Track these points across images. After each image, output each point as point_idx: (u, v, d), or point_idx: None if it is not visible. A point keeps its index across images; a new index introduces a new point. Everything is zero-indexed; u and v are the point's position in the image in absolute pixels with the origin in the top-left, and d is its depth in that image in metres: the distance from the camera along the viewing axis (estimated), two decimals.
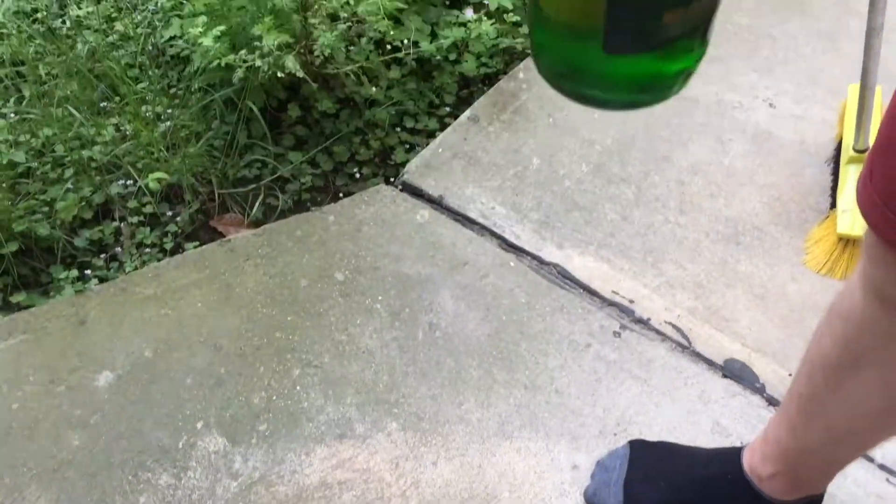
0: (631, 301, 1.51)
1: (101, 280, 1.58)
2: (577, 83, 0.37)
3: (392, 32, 1.88)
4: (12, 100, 1.81)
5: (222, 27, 1.56)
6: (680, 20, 0.34)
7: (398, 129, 1.97)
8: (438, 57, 2.02)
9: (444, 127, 1.94)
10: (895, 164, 0.62)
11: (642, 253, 1.60)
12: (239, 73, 1.62)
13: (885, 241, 0.65)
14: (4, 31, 1.86)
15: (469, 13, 1.99)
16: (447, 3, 2.17)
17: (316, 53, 1.73)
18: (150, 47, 1.93)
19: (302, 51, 1.77)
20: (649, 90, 0.37)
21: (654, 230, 1.64)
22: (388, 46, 1.98)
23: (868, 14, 1.38)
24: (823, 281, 1.54)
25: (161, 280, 1.52)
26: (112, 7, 2.02)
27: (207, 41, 1.52)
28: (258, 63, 1.60)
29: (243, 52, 1.60)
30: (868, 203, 0.65)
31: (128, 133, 1.79)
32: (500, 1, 2.06)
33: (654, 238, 1.62)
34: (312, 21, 1.68)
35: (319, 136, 1.92)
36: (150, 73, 1.88)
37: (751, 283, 1.55)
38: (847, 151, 1.57)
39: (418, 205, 1.70)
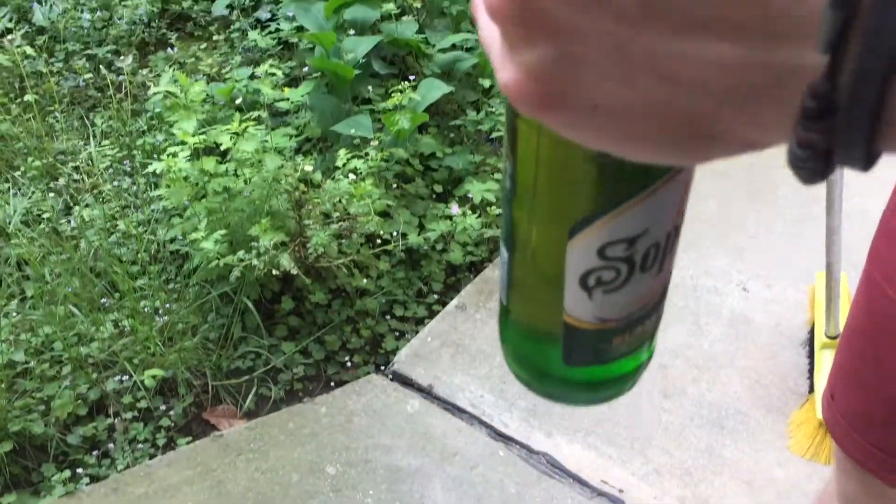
0: (620, 490, 1.52)
1: (93, 479, 1.59)
2: (538, 382, 0.42)
3: (382, 227, 1.98)
4: (15, 301, 1.87)
5: (223, 231, 1.65)
6: (637, 338, 0.40)
7: (388, 317, 2.03)
8: (426, 247, 2.12)
9: (432, 314, 2.00)
10: (855, 393, 0.67)
11: (629, 440, 1.62)
12: (236, 272, 1.70)
13: (852, 458, 0.69)
14: (14, 240, 1.95)
15: (455, 209, 2.10)
16: (434, 196, 2.29)
17: (310, 251, 1.82)
18: (152, 245, 2.02)
19: (296, 248, 1.85)
20: (610, 388, 0.43)
21: (640, 416, 1.67)
22: (378, 240, 2.08)
23: (826, 215, 1.49)
24: (809, 465, 1.56)
25: (153, 478, 1.53)
26: (116, 206, 2.12)
27: (208, 244, 1.61)
28: (255, 262, 1.68)
29: (241, 252, 1.68)
30: (832, 421, 0.70)
31: (125, 329, 1.85)
32: (483, 195, 2.18)
33: (640, 424, 1.66)
34: (307, 222, 1.78)
35: (312, 325, 1.98)
36: (149, 269, 1.96)
37: (737, 469, 1.57)
38: (820, 337, 1.64)
39: (409, 394, 1.73)
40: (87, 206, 2.13)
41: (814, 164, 0.25)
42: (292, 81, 2.51)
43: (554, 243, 0.36)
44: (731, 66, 0.25)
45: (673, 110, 0.27)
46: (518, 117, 0.34)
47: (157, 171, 1.86)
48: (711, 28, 0.24)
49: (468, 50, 2.50)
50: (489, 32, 0.30)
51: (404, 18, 2.49)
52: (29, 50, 2.51)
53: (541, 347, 0.41)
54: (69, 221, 2.08)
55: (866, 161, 0.25)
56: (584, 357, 0.39)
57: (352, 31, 2.44)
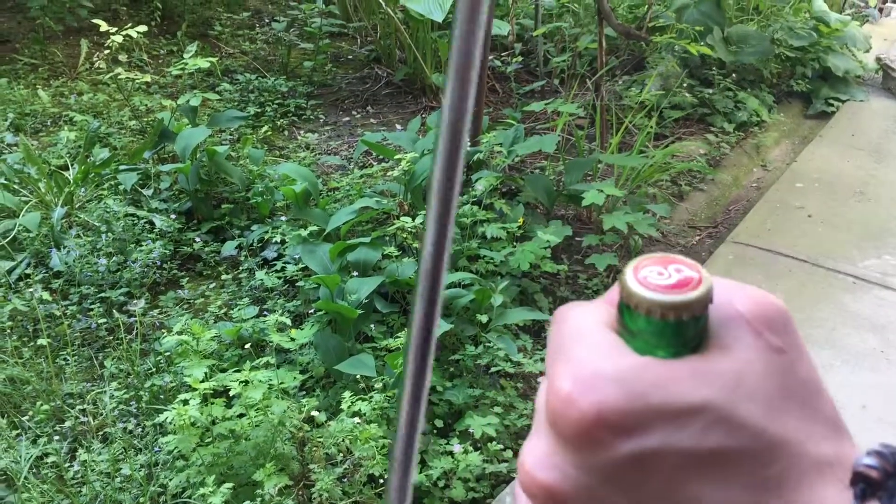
0: None
1: None
2: None
3: (384, 464, 2.00)
4: None
5: (230, 485, 1.67)
6: None
7: None
8: (428, 484, 2.12)
9: None
10: None
11: None
12: None
13: None
14: (23, 492, 1.96)
15: (457, 447, 2.13)
16: (434, 431, 2.32)
17: (314, 496, 1.82)
18: (155, 493, 2.02)
19: (300, 492, 1.86)
20: None
21: None
22: (381, 479, 2.09)
23: None
24: None
25: None
26: (121, 448, 2.14)
27: (216, 500, 1.62)
28: None
29: (247, 502, 1.69)
30: None
31: None
32: (483, 429, 2.21)
33: None
34: (311, 466, 1.80)
35: None
36: None
37: None
38: None
39: None
40: (91, 449, 2.15)
41: None
42: (297, 318, 2.62)
43: None
44: None
45: None
46: None
47: (169, 420, 1.89)
48: None
49: (465, 286, 2.63)
50: None
51: (405, 259, 2.64)
52: (45, 295, 2.62)
53: None
54: (73, 465, 2.09)
55: None
56: None
57: (355, 273, 2.57)
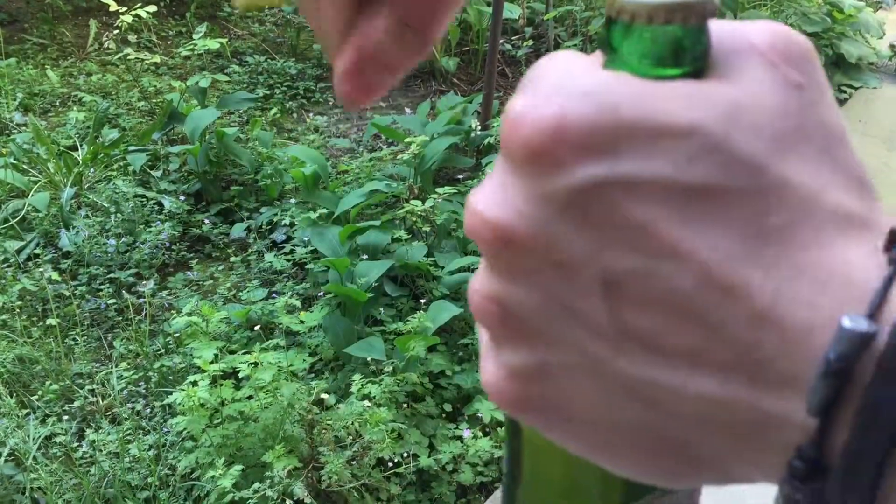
0: None
1: None
2: None
3: (393, 447, 2.00)
4: None
5: (240, 467, 1.67)
6: None
7: None
8: (437, 467, 2.12)
9: None
10: None
11: None
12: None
13: None
14: (31, 473, 1.96)
15: (466, 432, 2.12)
16: (444, 415, 2.32)
17: (324, 478, 1.82)
18: (163, 471, 2.02)
19: (309, 473, 1.86)
20: None
21: None
22: (390, 462, 2.09)
23: None
24: None
25: None
26: (129, 428, 2.14)
27: (226, 482, 1.62)
28: (269, 493, 1.68)
29: (256, 483, 1.69)
30: None
31: None
32: (493, 414, 2.21)
33: None
34: (321, 448, 1.80)
35: None
36: (159, 496, 1.95)
37: None
38: None
39: None
40: (100, 429, 2.15)
41: None
42: (306, 301, 2.61)
43: None
44: (713, 402, 0.24)
45: (653, 432, 0.26)
46: None
47: (178, 402, 1.89)
48: (691, 361, 0.24)
49: (475, 271, 2.61)
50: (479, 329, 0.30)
51: (414, 243, 2.63)
52: (54, 275, 2.62)
53: None
54: (81, 445, 2.09)
55: None
56: None
57: (364, 256, 2.56)
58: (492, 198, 0.26)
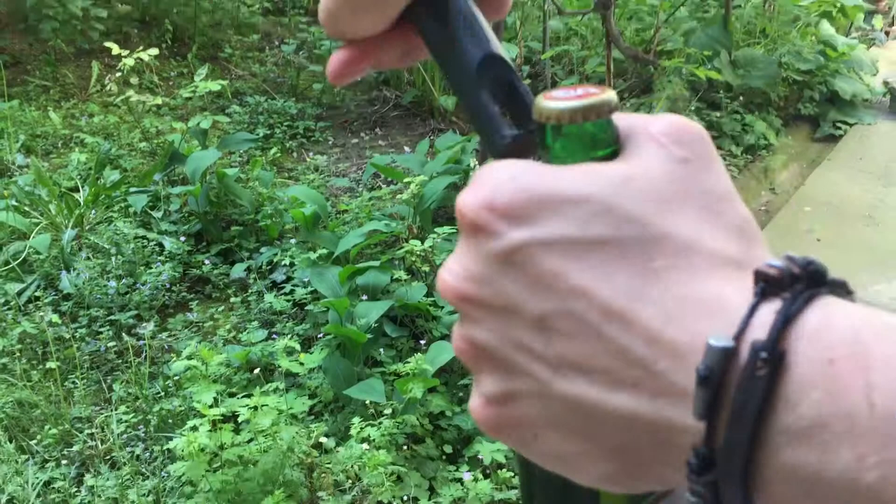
0: None
1: None
2: None
3: (393, 490, 1.99)
4: None
5: None
6: None
7: None
8: None
9: None
10: None
11: None
12: None
13: None
14: None
15: (467, 475, 2.11)
16: (444, 457, 2.31)
17: None
18: None
19: None
20: None
21: None
22: None
23: None
24: None
25: None
26: (128, 473, 2.14)
27: None
28: None
29: None
30: None
31: None
32: (493, 455, 2.20)
33: None
34: (320, 494, 1.79)
35: None
36: None
37: None
38: None
39: None
40: (99, 474, 2.14)
41: None
42: (306, 341, 2.61)
43: None
44: (629, 414, 0.29)
45: (597, 443, 0.31)
46: None
47: (178, 447, 1.89)
48: (608, 379, 0.30)
49: None
50: None
51: (414, 283, 2.63)
52: (54, 317, 2.63)
53: None
54: (80, 491, 2.08)
55: None
56: None
57: (364, 296, 2.57)
58: (451, 266, 0.33)
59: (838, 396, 0.26)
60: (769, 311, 0.28)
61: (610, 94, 0.33)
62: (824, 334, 0.27)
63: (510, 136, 0.36)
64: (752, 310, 0.28)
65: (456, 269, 0.33)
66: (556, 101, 0.33)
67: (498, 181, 0.32)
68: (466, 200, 0.32)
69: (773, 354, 0.27)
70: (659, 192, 0.31)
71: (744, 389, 0.27)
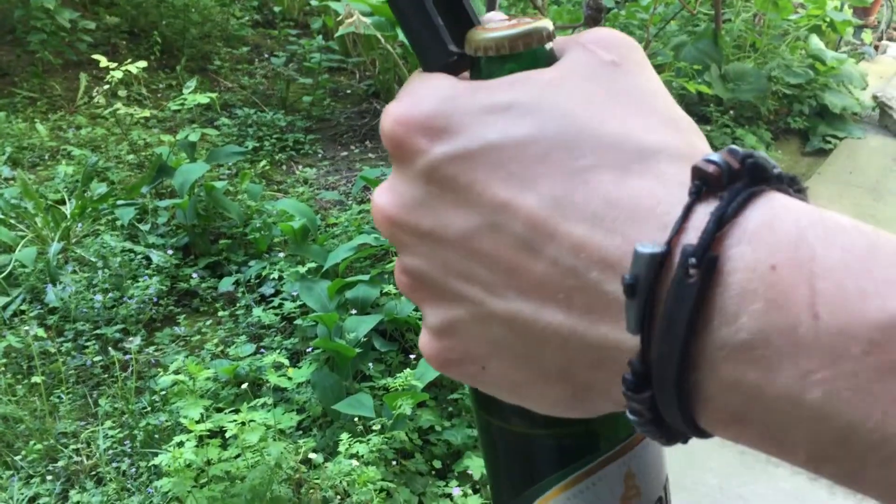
0: None
1: None
2: None
3: None
4: None
5: None
6: None
7: None
8: None
9: None
10: None
11: None
12: None
13: None
14: None
15: (456, 490, 2.09)
16: (433, 472, 2.29)
17: None
18: None
19: None
20: None
21: None
22: None
23: None
24: None
25: None
26: (114, 490, 2.11)
27: None
28: None
29: None
30: None
31: None
32: (482, 470, 2.18)
33: None
34: None
35: None
36: None
37: None
38: None
39: None
40: (85, 490, 2.11)
41: (648, 428, 0.27)
42: (294, 355, 2.59)
43: None
44: (563, 331, 0.28)
45: (539, 365, 0.30)
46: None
47: (164, 463, 1.86)
48: (539, 294, 0.28)
49: None
50: None
51: (403, 297, 2.62)
52: (40, 331, 2.60)
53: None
54: None
55: (699, 434, 0.27)
56: None
57: (353, 310, 2.55)
58: (382, 192, 0.32)
59: (780, 308, 0.24)
60: (705, 213, 0.25)
61: (544, 22, 0.32)
62: (766, 236, 0.25)
63: (457, 53, 0.33)
64: (687, 211, 0.26)
65: (386, 195, 0.32)
66: (488, 31, 0.32)
67: (418, 94, 0.31)
68: (387, 116, 0.31)
69: (704, 260, 0.24)
70: (584, 91, 0.29)
71: (673, 299, 0.25)
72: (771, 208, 0.25)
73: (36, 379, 2.41)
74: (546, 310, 0.28)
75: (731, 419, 0.25)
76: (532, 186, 0.28)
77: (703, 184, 0.26)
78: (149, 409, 2.36)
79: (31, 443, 2.25)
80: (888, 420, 0.22)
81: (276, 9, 6.08)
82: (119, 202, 3.27)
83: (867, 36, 7.13)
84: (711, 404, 0.25)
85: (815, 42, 5.36)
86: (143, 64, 3.62)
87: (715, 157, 0.26)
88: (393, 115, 0.31)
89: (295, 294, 2.73)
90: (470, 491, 2.12)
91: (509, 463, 0.39)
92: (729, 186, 0.26)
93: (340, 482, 1.97)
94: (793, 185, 0.27)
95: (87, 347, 2.62)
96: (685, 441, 0.28)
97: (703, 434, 0.27)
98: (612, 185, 0.27)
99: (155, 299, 2.86)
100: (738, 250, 0.25)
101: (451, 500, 2.10)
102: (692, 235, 0.25)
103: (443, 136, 0.29)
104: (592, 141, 0.28)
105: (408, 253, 0.32)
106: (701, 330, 0.25)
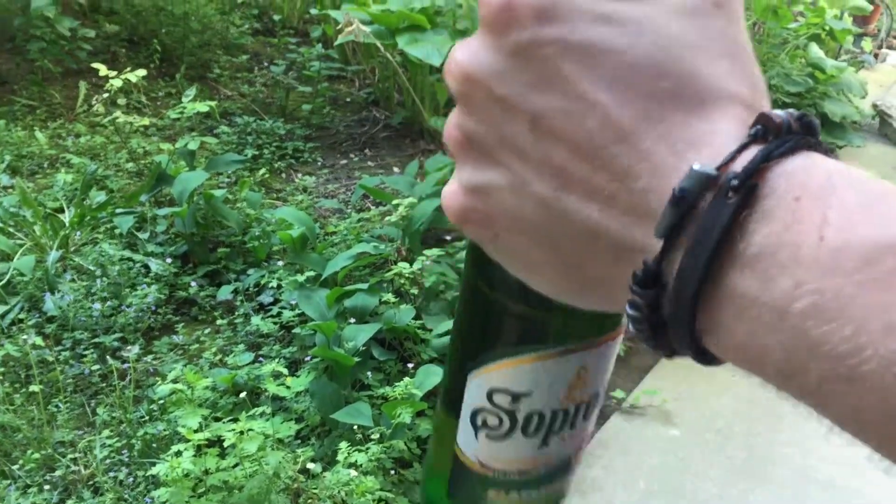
0: None
1: None
2: None
3: None
4: None
5: None
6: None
7: None
8: None
9: None
10: None
11: None
12: None
13: None
14: None
15: None
16: None
17: None
18: None
19: None
20: None
21: None
22: None
23: None
24: None
25: None
26: (111, 499, 2.10)
27: None
28: None
29: None
30: None
31: None
32: None
33: None
34: None
35: None
36: None
37: None
38: None
39: None
40: (82, 500, 2.10)
41: (641, 326, 0.29)
42: (293, 364, 2.58)
43: (462, 372, 0.42)
44: (595, 226, 0.30)
45: (555, 253, 0.32)
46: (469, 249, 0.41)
47: (162, 473, 1.85)
48: (585, 189, 0.30)
49: None
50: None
51: (402, 306, 2.61)
52: (38, 340, 2.59)
53: (437, 475, 0.45)
54: None
55: (696, 353, 0.29)
56: (463, 497, 0.44)
57: (352, 319, 2.54)
58: (464, 49, 0.33)
59: (790, 229, 0.26)
60: (756, 150, 0.28)
61: None
62: (799, 176, 0.28)
63: None
64: (742, 147, 0.28)
65: (466, 52, 0.33)
66: None
67: None
68: None
69: (745, 184, 0.27)
70: (685, 22, 0.31)
71: (711, 214, 0.27)
72: (810, 157, 0.28)
73: (34, 388, 2.40)
74: (587, 203, 0.30)
75: (724, 322, 0.27)
76: (616, 91, 0.30)
77: (763, 129, 0.29)
78: (147, 418, 2.35)
79: (29, 452, 2.24)
80: (861, 332, 0.24)
81: (276, 17, 6.09)
82: (118, 210, 3.27)
83: (867, 44, 7.14)
84: (712, 311, 0.28)
85: (815, 51, 5.37)
86: (142, 72, 3.63)
87: (781, 112, 0.29)
88: None
89: (294, 303, 2.72)
90: None
91: (482, 326, 0.41)
92: (783, 135, 0.29)
93: (339, 492, 1.96)
94: (829, 154, 0.30)
95: (85, 356, 2.61)
96: (666, 352, 0.30)
97: (694, 343, 0.28)
98: (685, 112, 0.29)
99: (153, 308, 2.86)
100: (774, 183, 0.27)
101: None
102: (739, 166, 0.28)
103: (549, 19, 0.31)
104: (679, 69, 0.30)
105: (471, 111, 0.33)
106: (724, 245, 0.27)
